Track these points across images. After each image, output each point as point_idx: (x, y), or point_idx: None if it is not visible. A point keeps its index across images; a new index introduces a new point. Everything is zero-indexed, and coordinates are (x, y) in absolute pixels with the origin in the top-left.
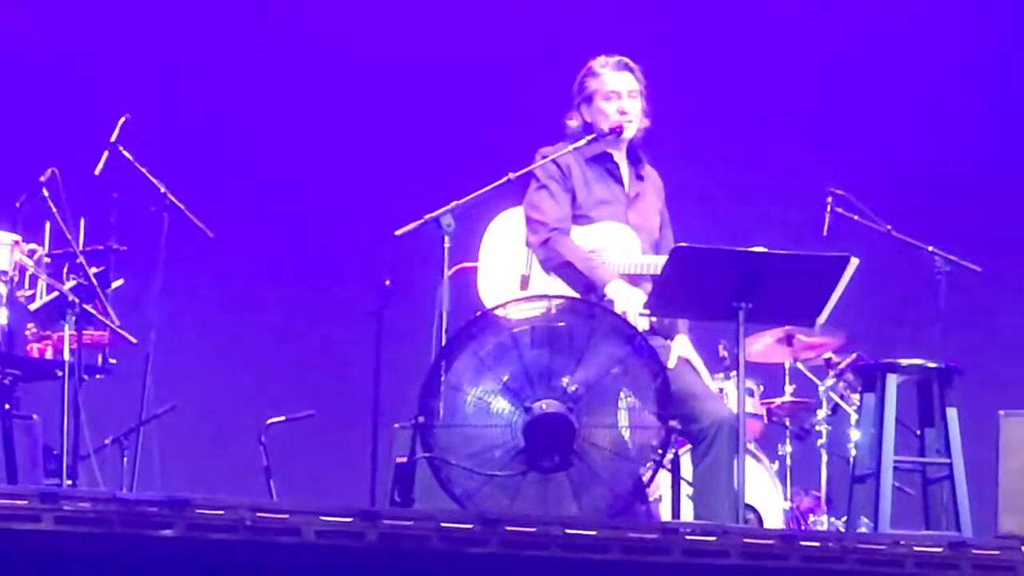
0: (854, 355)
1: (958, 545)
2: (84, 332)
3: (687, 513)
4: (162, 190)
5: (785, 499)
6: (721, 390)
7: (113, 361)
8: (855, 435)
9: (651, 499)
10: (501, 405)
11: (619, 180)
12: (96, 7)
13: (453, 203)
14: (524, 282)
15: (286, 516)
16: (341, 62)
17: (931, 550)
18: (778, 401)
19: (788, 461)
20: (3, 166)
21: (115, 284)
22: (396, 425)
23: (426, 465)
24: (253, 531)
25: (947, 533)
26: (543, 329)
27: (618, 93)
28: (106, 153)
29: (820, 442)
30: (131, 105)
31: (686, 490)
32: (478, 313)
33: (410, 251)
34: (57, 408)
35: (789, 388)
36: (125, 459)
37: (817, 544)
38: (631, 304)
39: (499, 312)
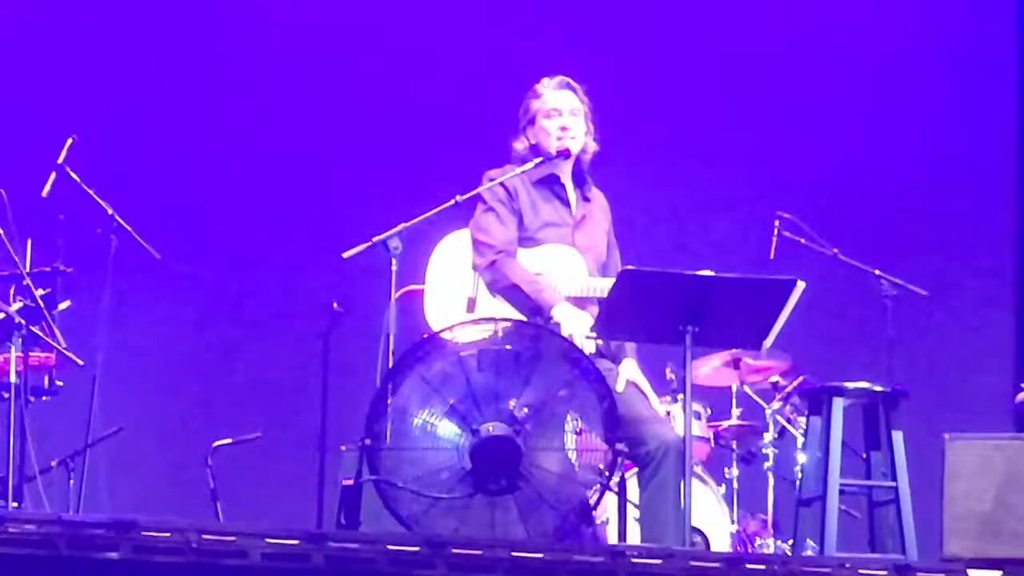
0: (800, 378)
1: (904, 568)
2: (30, 354)
3: (634, 536)
4: (109, 212)
5: (732, 522)
6: (668, 413)
7: (60, 383)
8: (801, 458)
9: (598, 522)
10: (448, 428)
11: (566, 202)
12: (40, 29)
13: (400, 225)
14: (471, 304)
15: (232, 538)
16: (288, 86)
17: (877, 573)
18: (725, 424)
19: (735, 484)
20: None
21: (62, 306)
22: (343, 447)
23: (373, 488)
24: (199, 553)
25: (893, 556)
26: (490, 352)
27: (559, 111)
28: (53, 175)
29: (767, 465)
30: (78, 126)
31: (633, 513)
32: (425, 336)
33: (357, 273)
34: (3, 430)
35: (736, 411)
36: (72, 481)
37: (763, 567)
38: (578, 327)
39: (446, 335)
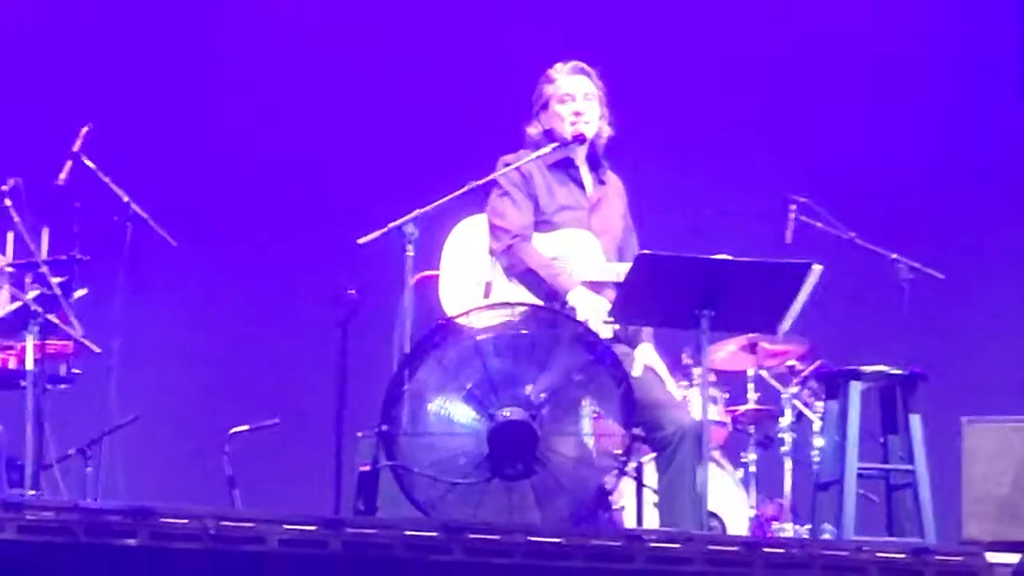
0: (817, 362)
1: (922, 551)
2: (47, 342)
3: (651, 521)
4: (125, 199)
5: (749, 506)
6: (685, 398)
7: (77, 371)
8: (819, 442)
9: (615, 507)
10: (464, 413)
11: (581, 185)
12: (58, 17)
13: (416, 211)
14: (487, 289)
15: (250, 525)
16: (302, 72)
17: (895, 556)
18: (742, 409)
19: (752, 468)
20: None
21: (78, 294)
22: (359, 433)
23: (390, 473)
24: (217, 540)
25: (911, 539)
26: (506, 337)
27: (572, 95)
28: (69, 163)
29: (784, 449)
30: (94, 114)
31: (650, 498)
32: (441, 321)
33: (373, 259)
34: (20, 418)
35: (753, 396)
36: (89, 469)
37: (781, 551)
38: (594, 312)
39: (462, 320)
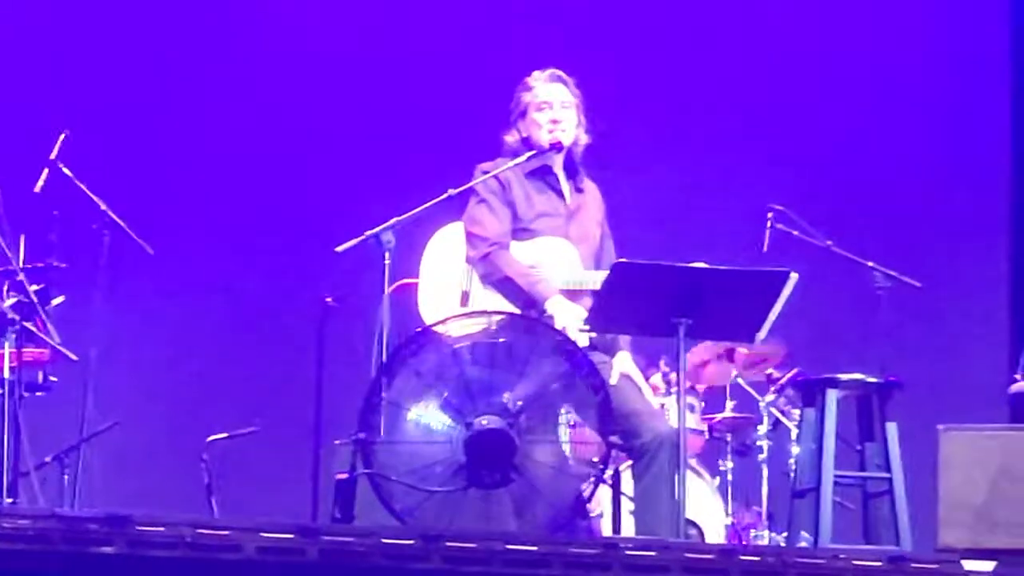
0: (794, 370)
1: (898, 559)
2: (24, 350)
3: (628, 529)
4: (102, 207)
5: (726, 514)
6: (662, 406)
7: (54, 379)
8: (796, 450)
9: (592, 515)
10: (442, 421)
11: (559, 192)
12: (33, 24)
13: (393, 220)
14: (464, 298)
15: (227, 532)
16: (280, 81)
17: (871, 564)
18: (719, 417)
19: (729, 476)
20: None
21: (55, 301)
22: (337, 441)
23: (367, 481)
24: (193, 548)
25: (887, 547)
26: (484, 345)
27: (550, 103)
28: (46, 171)
29: (761, 457)
30: (71, 122)
31: (628, 506)
32: (418, 329)
33: (351, 268)
34: None
35: (730, 404)
36: (66, 477)
37: (757, 559)
38: (571, 320)
39: (439, 328)
